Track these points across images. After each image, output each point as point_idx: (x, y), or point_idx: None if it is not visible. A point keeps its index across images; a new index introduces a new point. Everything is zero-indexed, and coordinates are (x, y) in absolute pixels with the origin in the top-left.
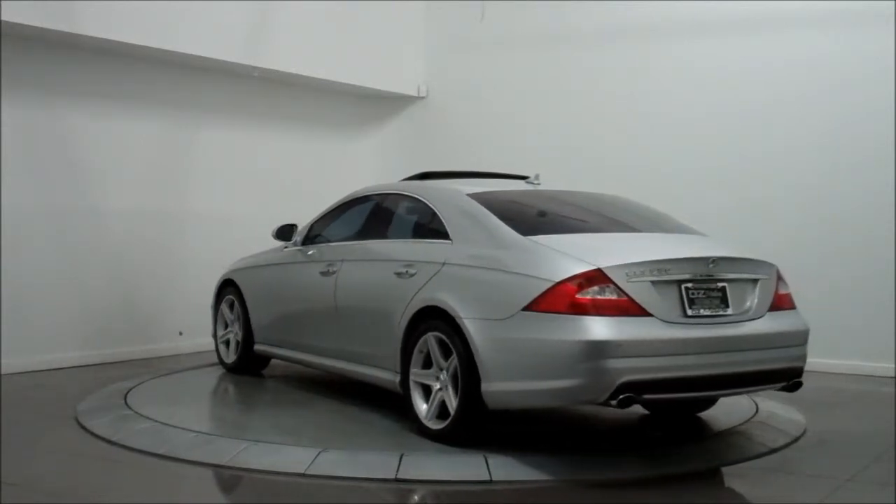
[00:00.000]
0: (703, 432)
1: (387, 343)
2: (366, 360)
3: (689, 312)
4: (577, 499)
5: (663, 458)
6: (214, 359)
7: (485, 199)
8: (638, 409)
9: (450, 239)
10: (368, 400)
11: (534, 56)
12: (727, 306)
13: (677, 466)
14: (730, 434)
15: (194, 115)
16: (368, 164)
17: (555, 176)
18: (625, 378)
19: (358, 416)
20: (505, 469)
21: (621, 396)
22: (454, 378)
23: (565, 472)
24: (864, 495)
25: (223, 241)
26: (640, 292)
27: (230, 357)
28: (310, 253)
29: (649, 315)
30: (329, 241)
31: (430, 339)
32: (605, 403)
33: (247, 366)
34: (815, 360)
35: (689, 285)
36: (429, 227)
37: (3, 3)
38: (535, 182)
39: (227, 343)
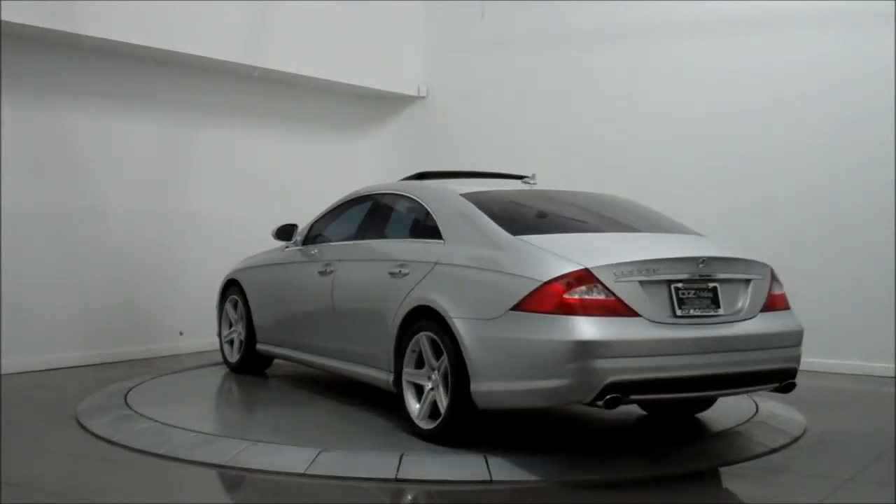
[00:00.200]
0: (703, 432)
1: (381, 342)
2: (361, 360)
3: (679, 312)
4: (577, 499)
5: (663, 459)
6: (215, 358)
7: (478, 199)
8: (636, 409)
9: (442, 239)
10: (369, 400)
11: (534, 56)
12: (718, 306)
13: (677, 466)
14: (730, 434)
15: (194, 115)
16: (368, 164)
17: (555, 176)
18: (611, 378)
19: (359, 415)
20: (505, 469)
21: (608, 397)
22: (445, 378)
23: (565, 472)
24: (864, 495)
25: (223, 241)
26: (627, 292)
27: (234, 356)
28: (310, 253)
29: (637, 315)
30: (328, 241)
31: (423, 339)
32: (592, 404)
33: (250, 365)
34: (815, 360)
35: (679, 285)
36: (423, 226)
37: (3, 3)
38: (532, 182)
39: (231, 342)
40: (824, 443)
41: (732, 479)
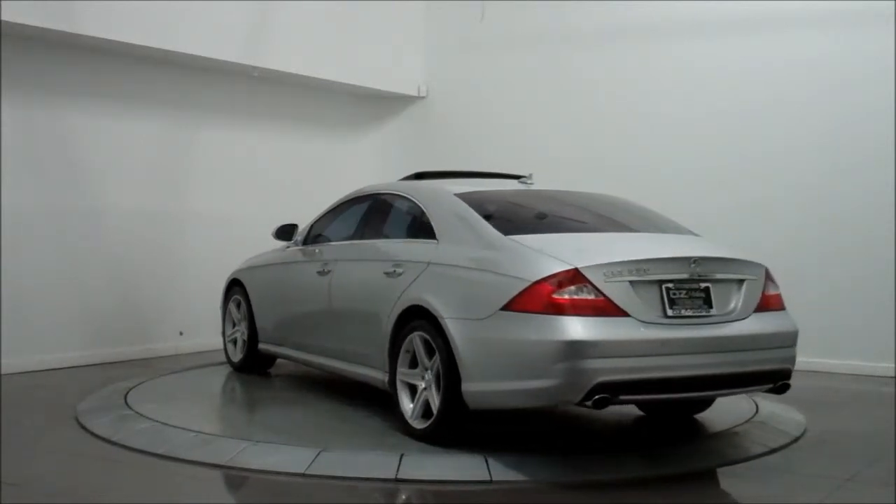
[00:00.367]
0: (703, 432)
1: (376, 342)
2: (358, 360)
3: (670, 313)
4: (577, 499)
5: (663, 459)
6: (215, 358)
7: (472, 199)
8: (635, 410)
9: (436, 238)
10: (370, 400)
11: (534, 56)
12: (710, 307)
13: (677, 466)
14: (730, 434)
15: (194, 115)
16: (368, 164)
17: (555, 176)
18: (600, 379)
19: (360, 416)
20: (505, 469)
21: (596, 397)
22: (437, 378)
23: (565, 472)
24: (864, 495)
25: (223, 241)
26: (617, 292)
27: (237, 356)
28: (309, 252)
29: (626, 315)
30: (327, 241)
31: (416, 339)
32: (581, 404)
33: (253, 365)
34: (815, 360)
35: (671, 285)
36: (418, 226)
37: (3, 3)
38: (528, 182)
39: (235, 342)
40: (824, 443)
41: (732, 479)
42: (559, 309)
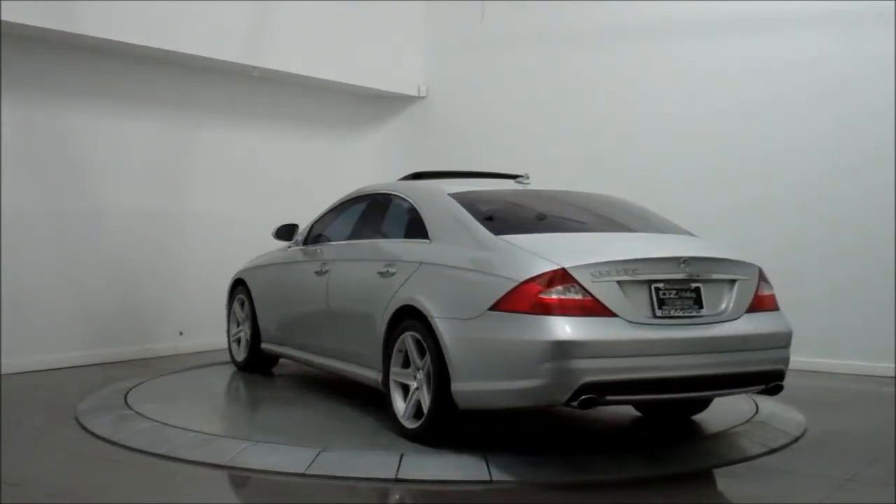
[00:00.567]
0: (703, 432)
1: (370, 342)
2: (354, 359)
3: (659, 313)
4: (577, 499)
5: (663, 458)
6: (215, 358)
7: (465, 199)
8: (633, 411)
9: (429, 238)
10: (370, 400)
11: (534, 56)
12: (701, 307)
13: (677, 466)
14: (730, 434)
15: (194, 115)
16: (368, 164)
17: (555, 176)
18: (587, 379)
19: (360, 416)
20: (505, 469)
21: (583, 397)
22: (428, 377)
23: (565, 472)
24: (864, 495)
25: (223, 241)
26: (605, 292)
27: (241, 355)
28: (309, 252)
29: (614, 315)
30: (325, 241)
31: (408, 339)
32: (567, 404)
33: (256, 364)
34: (815, 360)
35: (660, 286)
36: (412, 226)
37: (3, 3)
38: (525, 181)
39: (239, 341)
40: (824, 443)
41: (732, 479)
42: (546, 309)
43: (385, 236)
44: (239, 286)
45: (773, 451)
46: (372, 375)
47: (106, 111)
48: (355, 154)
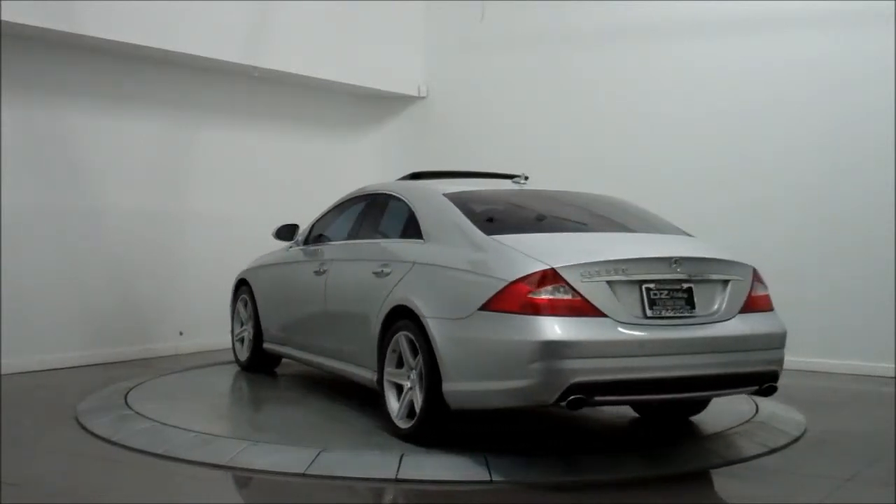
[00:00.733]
0: (703, 432)
1: (366, 341)
2: (351, 359)
3: (650, 313)
4: (577, 499)
5: (663, 459)
6: (215, 358)
7: (460, 199)
8: (631, 411)
9: (423, 238)
10: (371, 400)
11: (534, 56)
12: (693, 307)
13: (677, 466)
14: (730, 434)
15: (194, 115)
16: (368, 164)
17: (555, 176)
18: (575, 379)
19: (361, 416)
20: (505, 469)
21: (571, 398)
22: (421, 377)
23: (565, 472)
24: (864, 495)
25: (223, 241)
26: (594, 292)
27: (244, 354)
28: (309, 252)
29: (603, 315)
30: (325, 241)
31: (401, 339)
32: (556, 405)
33: (259, 364)
34: (815, 360)
35: (651, 286)
36: (407, 226)
37: (3, 3)
38: (522, 181)
39: (242, 341)
40: (824, 443)
41: (732, 479)
42: (535, 309)
43: (381, 236)
44: (242, 286)
45: (773, 451)
46: (367, 375)
47: (106, 111)
48: (355, 154)
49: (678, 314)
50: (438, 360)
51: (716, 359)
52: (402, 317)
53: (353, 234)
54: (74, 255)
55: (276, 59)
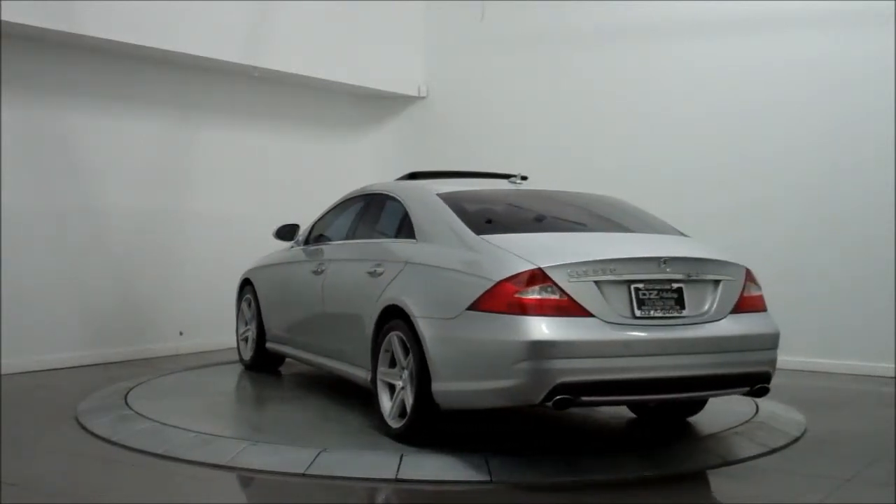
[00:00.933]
0: (703, 432)
1: (360, 341)
2: (346, 358)
3: (638, 313)
4: (577, 499)
5: (663, 459)
6: (215, 358)
7: (453, 199)
8: (627, 412)
9: (416, 238)
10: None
11: (534, 56)
12: (682, 307)
13: (677, 467)
14: (730, 434)
15: (194, 115)
16: (368, 164)
17: (555, 176)
18: (561, 379)
19: (361, 416)
20: (505, 469)
21: (557, 398)
22: (412, 377)
23: (565, 472)
24: (864, 495)
25: (223, 241)
26: (582, 292)
27: (247, 354)
28: (309, 252)
29: (590, 315)
30: (324, 241)
31: (394, 339)
32: (542, 405)
33: (262, 363)
34: (815, 360)
35: (640, 286)
36: (401, 226)
37: (3, 3)
38: (518, 181)
39: (246, 340)
40: (824, 443)
41: (732, 479)
42: (522, 309)
43: (377, 236)
44: (246, 286)
45: (773, 451)
46: (362, 374)
47: (106, 111)
48: (355, 154)
49: (667, 314)
50: (428, 360)
51: (706, 359)
52: (394, 316)
53: (351, 234)
54: (74, 255)
55: (276, 59)
